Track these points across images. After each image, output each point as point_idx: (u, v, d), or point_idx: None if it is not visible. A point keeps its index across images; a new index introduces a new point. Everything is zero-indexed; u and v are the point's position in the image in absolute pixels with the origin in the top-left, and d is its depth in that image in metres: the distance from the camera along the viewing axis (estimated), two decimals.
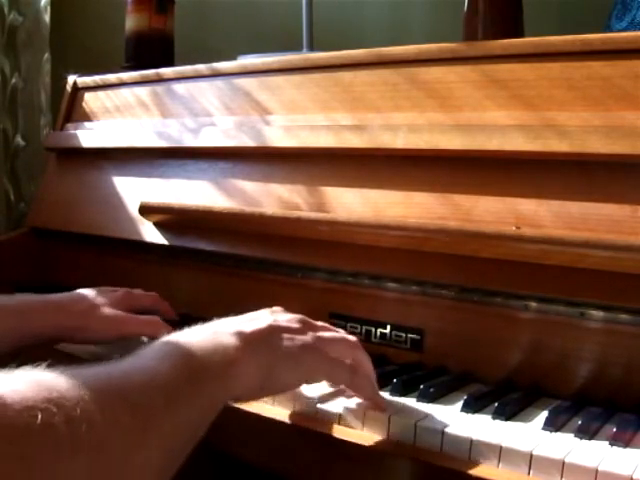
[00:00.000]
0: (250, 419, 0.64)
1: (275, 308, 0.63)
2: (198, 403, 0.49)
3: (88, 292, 0.82)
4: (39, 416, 0.38)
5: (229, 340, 0.54)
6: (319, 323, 0.63)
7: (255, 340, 0.55)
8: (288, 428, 0.62)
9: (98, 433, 0.41)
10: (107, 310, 0.79)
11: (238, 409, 0.64)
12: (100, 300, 0.80)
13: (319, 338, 0.59)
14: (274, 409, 0.64)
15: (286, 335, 0.57)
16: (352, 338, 0.63)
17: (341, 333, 0.63)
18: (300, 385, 0.60)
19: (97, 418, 0.41)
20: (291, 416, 0.62)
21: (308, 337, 0.59)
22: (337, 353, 0.60)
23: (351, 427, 0.60)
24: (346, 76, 0.88)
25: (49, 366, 0.43)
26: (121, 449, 0.42)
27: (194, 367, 0.50)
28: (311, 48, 1.31)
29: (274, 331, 0.57)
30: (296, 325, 0.59)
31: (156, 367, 0.48)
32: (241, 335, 0.55)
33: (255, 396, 0.57)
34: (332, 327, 0.64)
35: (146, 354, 0.50)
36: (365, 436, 0.58)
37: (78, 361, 0.48)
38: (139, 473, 0.44)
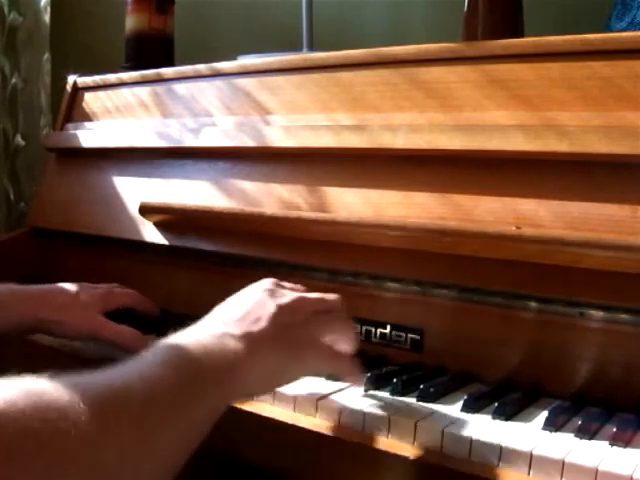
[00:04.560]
0: (251, 419, 0.64)
1: (272, 285, 0.63)
2: (200, 410, 0.49)
3: (69, 287, 0.82)
4: (19, 422, 0.36)
5: (235, 345, 0.53)
6: (313, 296, 0.63)
7: (262, 341, 0.55)
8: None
9: (94, 446, 0.39)
10: (86, 308, 0.79)
11: (240, 410, 0.64)
12: (80, 296, 0.81)
13: (319, 325, 0.60)
14: (274, 408, 0.64)
15: (290, 331, 0.58)
16: (332, 297, 0.64)
17: (329, 300, 0.64)
18: (298, 379, 0.61)
19: (90, 426, 0.39)
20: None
21: (310, 330, 0.59)
22: (332, 333, 0.62)
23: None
24: (346, 76, 0.88)
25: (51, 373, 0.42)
26: (118, 463, 0.41)
27: (199, 374, 0.50)
28: (311, 48, 1.31)
29: (278, 331, 0.57)
30: (298, 317, 0.59)
31: (159, 374, 0.47)
32: (248, 337, 0.54)
33: (262, 393, 0.58)
34: (326, 297, 0.64)
35: (149, 359, 0.49)
36: (366, 437, 0.59)
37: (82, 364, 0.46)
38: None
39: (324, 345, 0.61)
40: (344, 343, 0.63)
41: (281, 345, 0.57)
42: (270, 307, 0.58)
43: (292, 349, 0.57)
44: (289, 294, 0.62)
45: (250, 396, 0.57)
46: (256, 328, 0.56)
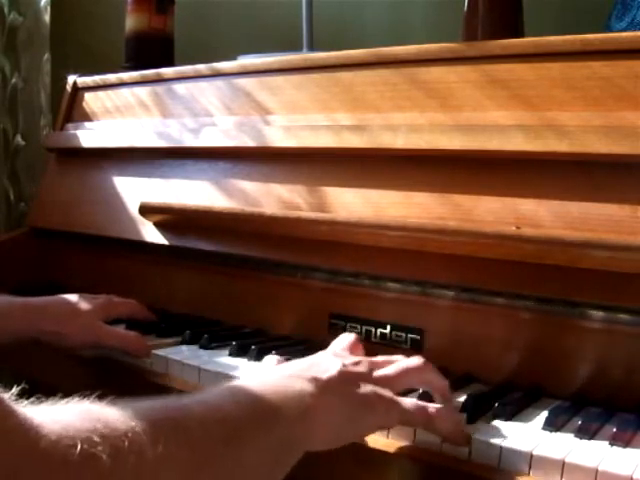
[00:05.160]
0: None
1: (337, 350, 0.61)
2: (265, 445, 0.47)
3: (69, 297, 0.83)
4: (78, 447, 0.35)
5: (305, 386, 0.51)
6: (381, 359, 0.61)
7: (331, 388, 0.53)
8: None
9: (149, 467, 0.38)
10: (87, 318, 0.80)
11: None
12: (81, 306, 0.81)
13: (387, 379, 0.57)
14: None
15: (358, 382, 0.55)
16: (415, 362, 0.60)
17: (403, 362, 0.60)
18: (373, 432, 0.57)
19: (148, 451, 0.38)
20: None
21: (377, 384, 0.56)
22: (408, 385, 0.60)
23: None
24: (346, 76, 0.88)
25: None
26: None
27: (262, 407, 0.48)
28: (311, 48, 1.31)
29: (348, 379, 0.55)
30: (364, 369, 0.57)
31: (218, 402, 0.46)
32: (317, 382, 0.52)
33: (331, 445, 0.53)
34: (395, 358, 0.61)
35: (210, 391, 0.48)
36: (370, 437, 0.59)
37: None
38: None
39: (398, 401, 0.56)
40: (432, 387, 0.60)
41: (351, 392, 0.54)
42: (336, 361, 0.56)
43: (362, 397, 0.54)
44: (356, 358, 0.59)
45: (326, 445, 0.52)
46: (325, 375, 0.53)
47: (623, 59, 0.68)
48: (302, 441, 0.50)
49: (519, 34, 0.89)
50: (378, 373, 0.58)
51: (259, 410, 0.48)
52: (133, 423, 0.39)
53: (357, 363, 0.57)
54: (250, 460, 0.45)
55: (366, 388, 0.54)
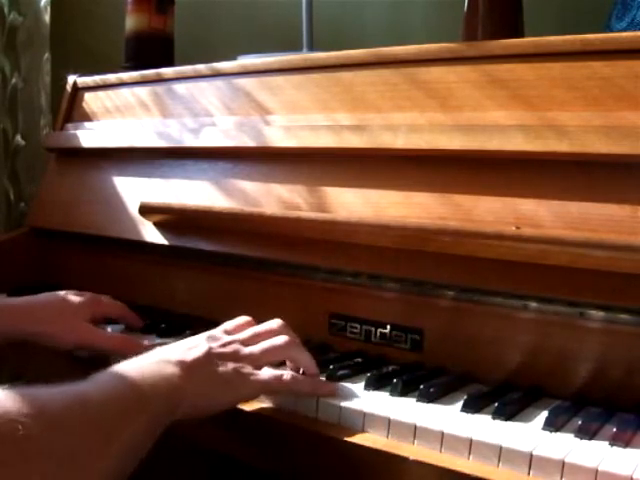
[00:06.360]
0: (251, 419, 0.64)
1: (211, 333, 0.67)
2: (144, 422, 0.54)
3: (54, 297, 0.82)
4: (19, 427, 0.43)
5: (173, 370, 0.59)
6: (250, 333, 0.68)
7: (196, 368, 0.60)
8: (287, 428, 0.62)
9: (65, 441, 0.46)
10: (73, 318, 0.80)
11: (239, 410, 0.64)
12: (66, 306, 0.81)
13: (251, 357, 0.65)
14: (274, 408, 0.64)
15: (222, 362, 0.62)
16: (281, 340, 0.67)
17: (271, 338, 0.68)
18: (236, 404, 0.64)
19: (60, 429, 0.46)
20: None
21: (241, 360, 0.64)
22: (273, 360, 0.67)
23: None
24: (346, 76, 0.88)
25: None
26: (84, 458, 0.48)
27: (143, 391, 0.55)
28: (311, 48, 1.31)
29: (211, 359, 0.62)
30: (229, 350, 0.64)
31: (113, 389, 0.54)
32: (182, 364, 0.59)
33: (194, 416, 0.61)
34: (263, 329, 0.69)
35: (101, 378, 0.55)
36: (368, 437, 0.59)
37: None
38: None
39: (259, 366, 0.65)
40: (298, 363, 0.68)
41: (213, 371, 0.61)
42: (204, 344, 0.64)
43: (223, 375, 0.62)
44: (223, 336, 0.67)
45: (189, 416, 0.60)
46: (190, 358, 0.61)
47: (623, 59, 0.68)
48: (168, 416, 0.57)
49: (519, 34, 0.89)
50: (244, 351, 0.65)
51: (141, 394, 0.55)
52: (26, 407, 0.45)
53: (225, 344, 0.65)
54: (134, 434, 0.53)
55: (228, 367, 0.62)
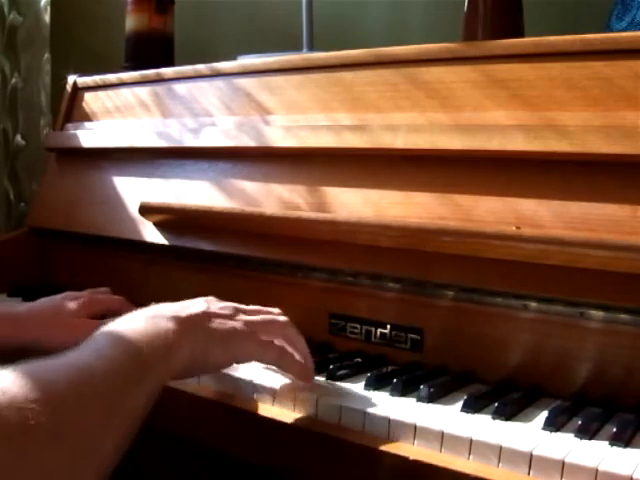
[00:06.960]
0: (250, 419, 0.64)
1: (209, 297, 0.66)
2: (147, 384, 0.53)
3: (50, 303, 0.82)
4: (29, 415, 0.41)
5: (167, 325, 0.57)
6: (251, 307, 0.67)
7: (190, 324, 0.59)
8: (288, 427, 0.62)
9: (74, 421, 0.45)
10: (69, 318, 0.80)
11: (238, 409, 0.64)
12: (62, 310, 0.81)
13: (249, 322, 0.64)
14: (273, 408, 0.64)
15: (218, 320, 0.62)
16: (282, 318, 0.68)
17: (272, 315, 0.68)
18: (230, 365, 0.64)
19: (68, 411, 0.45)
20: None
21: (239, 322, 0.63)
22: (268, 334, 0.65)
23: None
24: (346, 76, 0.88)
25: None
26: (94, 435, 0.46)
27: (142, 352, 0.54)
28: (311, 48, 1.30)
29: (207, 316, 0.62)
30: (227, 311, 0.64)
31: (111, 355, 0.52)
32: (177, 319, 0.58)
33: (189, 374, 0.61)
34: (265, 309, 0.68)
35: (98, 342, 0.53)
36: (368, 437, 0.59)
37: None
38: (110, 455, 0.47)
39: (255, 333, 0.64)
40: (293, 345, 0.67)
41: (210, 328, 0.61)
42: (202, 303, 0.63)
43: (220, 332, 0.61)
44: (225, 303, 0.66)
45: (185, 374, 0.60)
46: (186, 312, 0.60)
47: (623, 59, 0.68)
48: (167, 375, 0.56)
49: (519, 34, 0.89)
50: (242, 317, 0.64)
51: (141, 356, 0.53)
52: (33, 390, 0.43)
53: (224, 308, 0.64)
54: (137, 399, 0.52)
55: (224, 325, 0.62)
